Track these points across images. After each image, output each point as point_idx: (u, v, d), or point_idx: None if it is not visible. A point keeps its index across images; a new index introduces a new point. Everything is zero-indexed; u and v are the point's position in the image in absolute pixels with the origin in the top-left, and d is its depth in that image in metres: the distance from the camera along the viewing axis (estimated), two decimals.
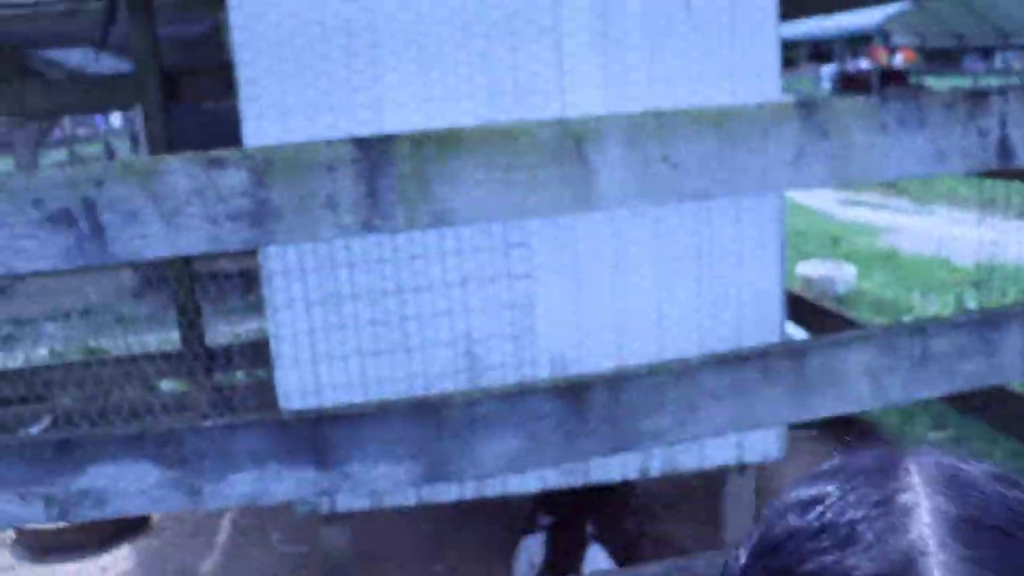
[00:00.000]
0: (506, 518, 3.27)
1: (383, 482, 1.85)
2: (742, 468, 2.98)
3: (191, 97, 4.98)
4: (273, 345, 2.45)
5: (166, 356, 4.63)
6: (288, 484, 1.80)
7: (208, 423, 1.74)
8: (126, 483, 1.78)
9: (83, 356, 5.49)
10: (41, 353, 5.95)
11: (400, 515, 3.65)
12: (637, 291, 2.64)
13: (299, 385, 2.49)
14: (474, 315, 2.59)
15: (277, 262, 2.46)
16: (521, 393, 1.86)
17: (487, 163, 1.72)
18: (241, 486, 1.79)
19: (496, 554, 3.22)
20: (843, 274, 5.80)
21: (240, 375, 4.97)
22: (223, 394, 4.61)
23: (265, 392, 4.45)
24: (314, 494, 1.83)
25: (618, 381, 1.92)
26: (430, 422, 1.82)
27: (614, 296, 2.63)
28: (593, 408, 1.92)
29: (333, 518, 2.70)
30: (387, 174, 1.67)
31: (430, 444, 1.83)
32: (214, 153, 1.63)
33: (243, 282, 7.17)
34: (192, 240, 1.64)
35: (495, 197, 1.74)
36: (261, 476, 1.79)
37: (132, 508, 1.83)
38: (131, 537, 3.58)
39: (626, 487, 3.26)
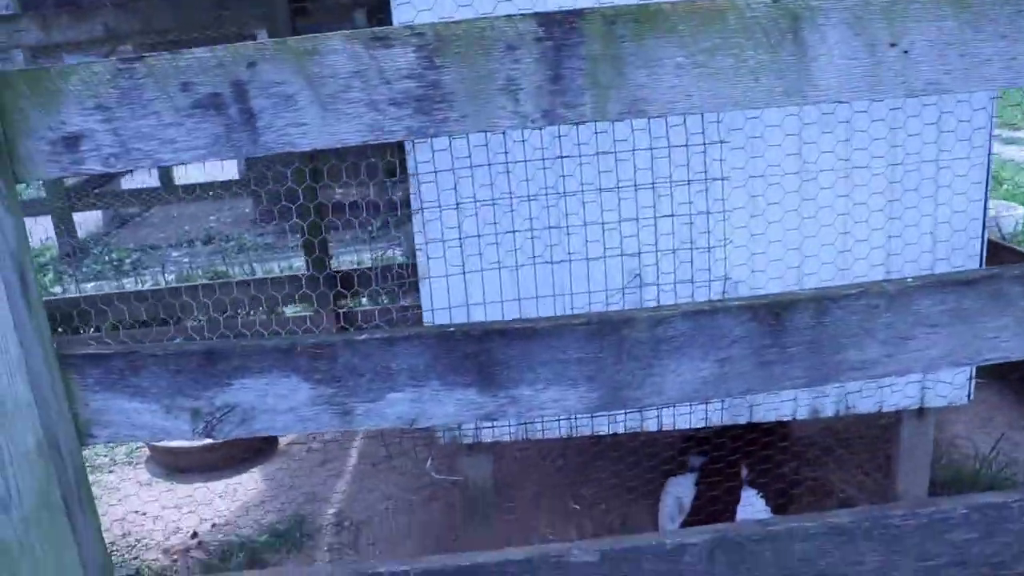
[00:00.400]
0: (649, 457, 3.05)
1: (552, 408, 1.65)
2: (920, 412, 2.69)
3: (318, 18, 4.84)
4: (420, 255, 2.25)
5: (292, 280, 4.54)
6: (448, 407, 1.62)
7: (364, 335, 1.56)
8: (274, 399, 1.63)
9: (210, 280, 5.47)
10: (169, 278, 5.99)
11: (540, 448, 3.49)
12: (820, 206, 2.35)
13: (445, 300, 2.29)
14: (651, 225, 2.33)
15: (426, 158, 2.24)
16: (713, 312, 1.62)
17: (689, 44, 1.46)
18: (398, 407, 1.62)
19: (638, 494, 3.02)
20: (1010, 213, 5.31)
21: (365, 300, 4.87)
22: (348, 319, 4.51)
23: (389, 318, 4.33)
24: (475, 418, 1.64)
25: (824, 302, 1.66)
26: (611, 342, 1.60)
27: (796, 210, 2.35)
28: (793, 332, 1.67)
29: (475, 448, 2.54)
30: (575, 55, 1.43)
31: (609, 367, 1.62)
32: (379, 30, 1.43)
33: (364, 212, 7.11)
34: (351, 129, 1.45)
35: (697, 84, 1.48)
36: (419, 397, 1.61)
37: (279, 427, 1.67)
38: (260, 461, 3.51)
39: (783, 430, 3.00)
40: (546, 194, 2.26)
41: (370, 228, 7.11)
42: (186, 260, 6.69)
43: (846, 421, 3.36)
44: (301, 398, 1.62)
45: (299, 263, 6.19)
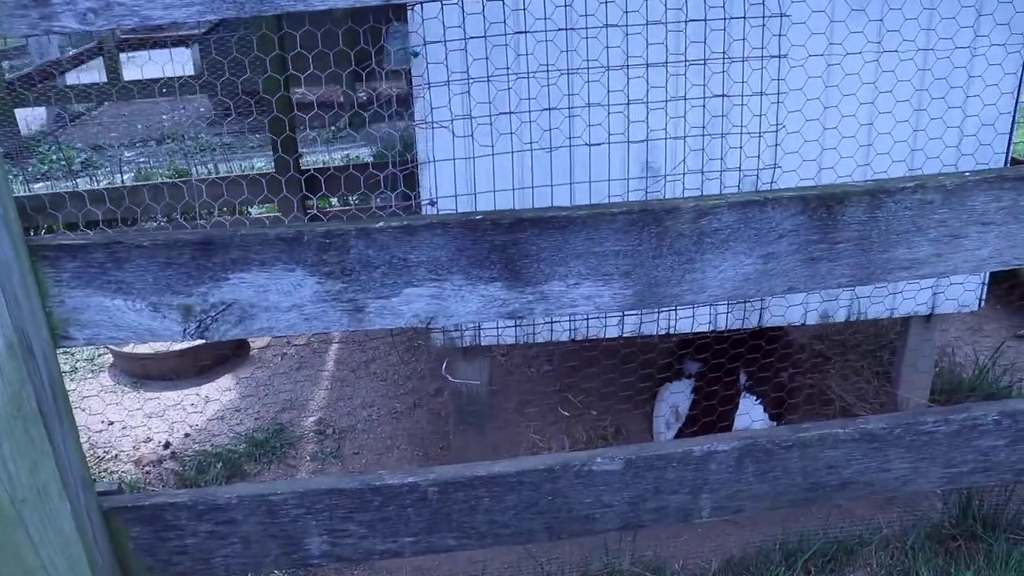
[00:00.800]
0: (642, 363, 2.95)
1: (584, 306, 1.51)
2: (928, 318, 2.61)
3: None
4: (422, 139, 2.04)
5: (257, 180, 4.30)
6: (471, 304, 1.47)
7: (380, 224, 1.40)
8: (277, 296, 1.46)
9: (171, 179, 5.18)
10: (126, 177, 5.68)
11: (526, 353, 3.37)
12: (848, 100, 2.20)
13: (450, 186, 2.08)
14: (686, 106, 2.14)
15: (437, 35, 2.00)
16: (763, 204, 1.48)
17: None
18: (415, 304, 1.47)
19: (630, 401, 2.93)
20: None
21: (335, 202, 4.66)
22: (315, 220, 4.30)
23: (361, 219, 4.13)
24: (499, 316, 1.50)
25: (879, 195, 1.53)
26: (651, 234, 1.46)
27: (822, 101, 2.19)
28: (844, 227, 1.54)
29: (471, 351, 2.41)
30: None
31: (647, 261, 1.48)
32: None
33: (332, 110, 6.82)
34: None
35: None
36: (439, 293, 1.46)
37: (282, 326, 1.52)
38: (231, 367, 3.35)
39: (783, 336, 2.91)
40: (587, 67, 2.04)
41: (335, 127, 6.83)
42: (142, 160, 6.36)
43: (842, 329, 3.29)
44: (306, 294, 1.46)
45: (260, 163, 5.93)
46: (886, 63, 2.19)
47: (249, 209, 4.68)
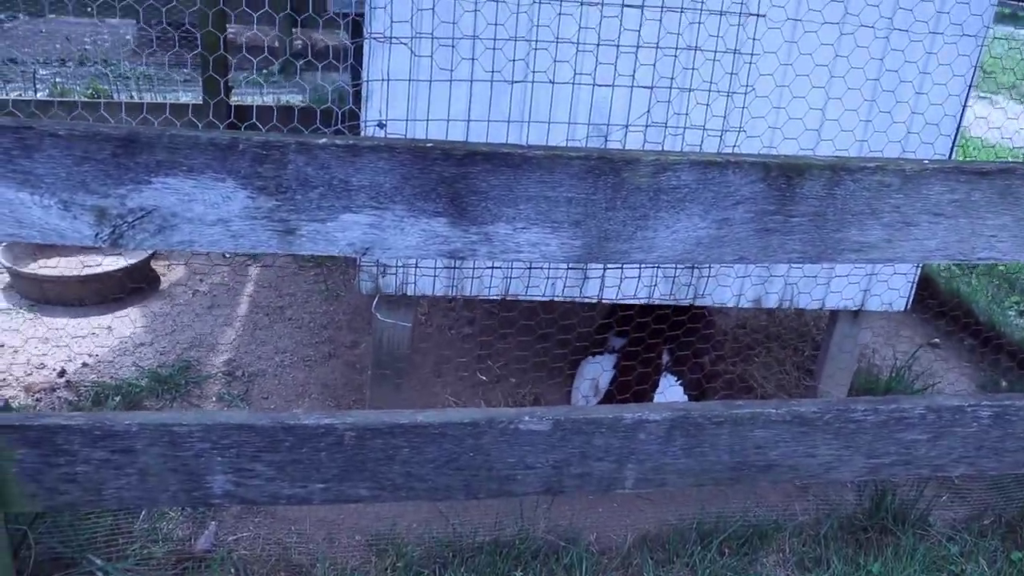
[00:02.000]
0: (563, 331, 2.90)
1: (529, 253, 1.43)
2: (855, 315, 2.62)
3: None
4: (377, 50, 1.88)
5: (184, 108, 4.10)
6: (410, 238, 1.38)
7: (323, 140, 1.30)
8: (203, 207, 1.35)
9: (91, 99, 4.90)
10: (40, 93, 5.36)
11: (445, 312, 3.29)
12: (804, 85, 2.17)
13: (401, 110, 1.94)
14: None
15: None
16: (724, 166, 1.43)
17: None
18: (351, 231, 1.37)
19: (549, 370, 2.88)
20: None
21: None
22: None
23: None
24: (438, 254, 1.41)
25: (839, 172, 1.49)
26: (606, 184, 1.39)
27: (777, 84, 2.15)
28: (801, 201, 1.50)
29: (397, 301, 2.31)
30: None
31: (600, 212, 1.41)
32: None
33: (260, 57, 6.57)
34: None
35: None
36: (379, 222, 1.37)
37: (204, 241, 1.40)
38: (138, 300, 3.18)
39: (707, 318, 2.90)
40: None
41: (265, 71, 6.59)
42: (59, 80, 6.01)
43: (763, 319, 3.30)
44: (235, 208, 1.35)
45: (186, 97, 5.67)
46: (843, 47, 2.17)
47: None
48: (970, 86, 2.26)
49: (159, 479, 1.58)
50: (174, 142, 1.31)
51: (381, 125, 1.87)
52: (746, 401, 1.73)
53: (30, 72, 6.19)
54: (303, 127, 3.99)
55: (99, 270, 3.16)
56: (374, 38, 1.78)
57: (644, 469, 1.72)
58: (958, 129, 2.31)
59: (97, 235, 1.37)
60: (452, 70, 1.88)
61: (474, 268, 2.26)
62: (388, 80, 1.83)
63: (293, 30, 6.67)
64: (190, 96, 5.74)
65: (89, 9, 5.83)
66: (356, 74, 3.56)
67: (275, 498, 1.61)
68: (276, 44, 6.84)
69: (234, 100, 4.50)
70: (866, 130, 2.27)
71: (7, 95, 4.97)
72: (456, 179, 1.34)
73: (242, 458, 1.56)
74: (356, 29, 3.30)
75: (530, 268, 2.28)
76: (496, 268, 2.27)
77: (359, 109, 1.98)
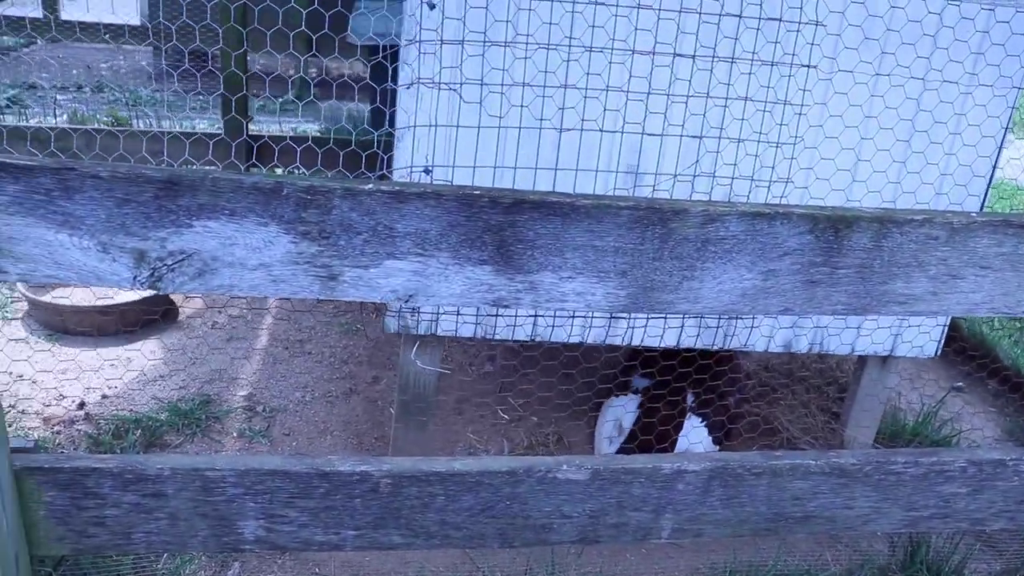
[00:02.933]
0: (585, 371, 2.87)
1: (574, 302, 1.41)
2: (885, 360, 2.59)
3: None
4: (405, 99, 1.88)
5: (202, 140, 4.10)
6: (455, 285, 1.36)
7: (369, 185, 1.28)
8: (244, 251, 1.33)
9: (111, 127, 4.91)
10: (60, 119, 5.37)
11: (466, 350, 3.26)
12: (834, 119, 2.14)
13: (407, 157, 1.93)
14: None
15: None
16: (772, 217, 1.41)
17: None
18: (395, 278, 1.35)
19: (571, 409, 2.85)
20: None
21: (280, 171, 4.48)
22: None
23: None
24: (483, 302, 1.39)
25: (887, 224, 1.47)
26: (654, 234, 1.37)
27: (805, 116, 2.12)
28: (848, 253, 1.48)
29: (426, 340, 2.29)
30: None
31: (646, 262, 1.39)
32: None
33: (277, 86, 6.61)
34: None
35: None
36: (423, 269, 1.35)
37: (245, 285, 1.38)
38: (156, 331, 3.16)
39: (732, 361, 2.87)
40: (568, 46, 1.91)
41: (281, 99, 6.62)
42: (77, 106, 6.04)
43: (787, 361, 3.26)
44: (277, 253, 1.33)
45: (202, 125, 5.69)
46: (878, 87, 2.15)
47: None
48: (1006, 128, 2.24)
49: (189, 524, 1.55)
50: (217, 185, 1.29)
51: (427, 171, 1.86)
52: (784, 452, 1.70)
53: (48, 98, 6.22)
54: (325, 167, 3.99)
55: (117, 300, 3.14)
56: (422, 83, 1.77)
57: (681, 519, 1.69)
58: (993, 171, 2.29)
59: (135, 278, 1.35)
60: (501, 116, 1.86)
61: (502, 311, 2.24)
62: (435, 126, 1.81)
63: (311, 59, 6.71)
64: (205, 123, 5.77)
65: (107, 36, 5.88)
66: (382, 102, 3.56)
67: (307, 544, 1.58)
68: (290, 72, 6.88)
69: (252, 130, 4.50)
70: (900, 172, 2.25)
71: (27, 121, 4.98)
72: (503, 227, 1.32)
73: (275, 504, 1.53)
74: (374, 62, 3.30)
75: (561, 313, 2.26)
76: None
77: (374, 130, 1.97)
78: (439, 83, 1.77)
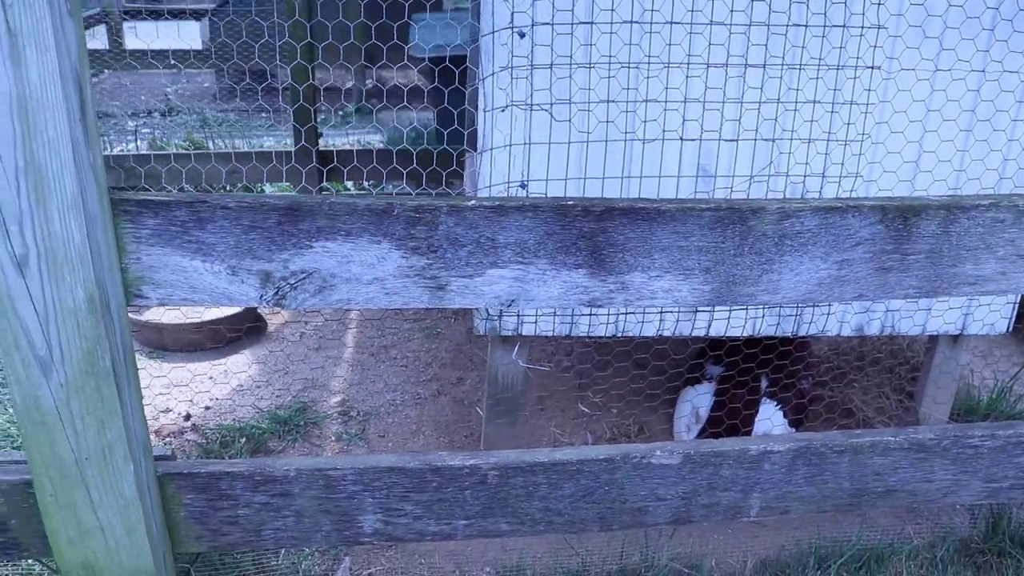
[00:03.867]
0: (660, 363, 2.97)
1: (663, 299, 1.52)
2: (955, 339, 2.65)
3: None
4: (480, 119, 2.02)
5: (275, 157, 4.28)
6: (553, 289, 1.48)
7: (472, 201, 1.40)
8: (360, 268, 1.46)
9: (187, 150, 5.14)
10: (131, 147, 5.62)
11: (544, 347, 3.38)
12: (898, 115, 2.22)
13: (504, 173, 2.07)
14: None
15: (500, 3, 1.98)
16: (843, 210, 1.50)
17: None
18: (497, 285, 1.47)
19: (648, 400, 2.95)
20: None
21: (350, 185, 4.65)
22: None
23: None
24: (579, 303, 1.50)
25: (954, 211, 1.55)
26: (734, 232, 1.47)
27: (871, 115, 2.21)
28: (918, 239, 1.57)
29: (510, 340, 2.41)
30: None
31: (728, 259, 1.49)
32: None
33: (337, 103, 6.81)
34: None
35: None
36: (523, 276, 1.47)
37: (361, 299, 1.52)
38: (248, 343, 3.34)
39: (803, 344, 2.94)
40: (645, 64, 2.01)
41: (342, 113, 6.81)
42: (147, 131, 6.30)
43: (856, 344, 3.32)
44: (390, 268, 1.46)
45: (269, 142, 5.90)
46: (939, 82, 2.22)
47: (260, 188, 4.66)
48: None
49: (313, 520, 1.69)
50: (333, 209, 1.43)
51: (523, 185, 1.98)
52: (864, 430, 1.79)
53: (121, 125, 6.50)
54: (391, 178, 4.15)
55: (212, 316, 3.32)
56: (516, 106, 1.90)
57: (768, 498, 1.79)
58: None
59: (262, 296, 1.49)
60: (589, 132, 1.99)
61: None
62: (529, 144, 1.94)
63: (367, 72, 6.89)
64: (272, 140, 5.98)
65: (172, 61, 6.12)
66: (445, 117, 3.70)
67: (421, 535, 1.71)
68: (349, 85, 7.08)
69: (322, 146, 4.68)
70: (963, 160, 2.32)
71: (111, 149, 5.23)
72: (595, 233, 1.44)
73: (392, 498, 1.66)
74: (441, 72, 3.43)
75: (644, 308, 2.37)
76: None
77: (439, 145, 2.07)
78: (531, 104, 1.90)
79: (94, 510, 1.53)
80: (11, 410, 2.69)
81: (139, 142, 5.66)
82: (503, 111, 1.92)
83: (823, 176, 2.17)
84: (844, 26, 1.97)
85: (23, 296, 1.33)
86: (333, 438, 2.71)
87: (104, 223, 1.38)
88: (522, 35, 1.84)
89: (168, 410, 2.87)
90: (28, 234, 1.29)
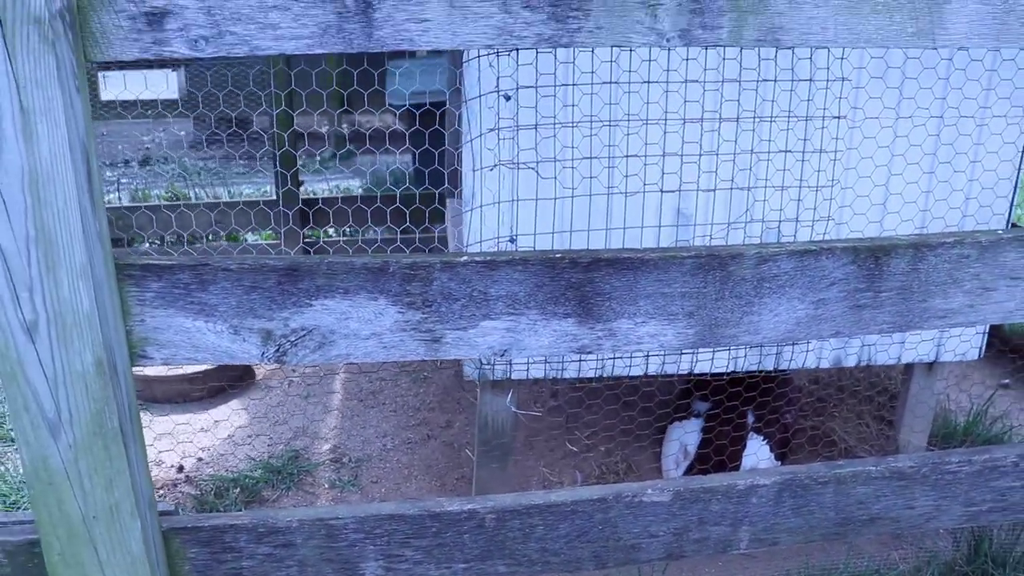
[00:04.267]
0: (644, 401, 3.03)
1: (649, 343, 1.58)
2: (930, 367, 2.73)
3: None
4: (468, 178, 2.11)
5: (255, 205, 4.33)
6: (543, 338, 1.54)
7: (464, 258, 1.47)
8: (357, 324, 1.52)
9: (169, 201, 5.18)
10: (112, 197, 5.66)
11: (530, 389, 3.43)
12: (864, 160, 2.32)
13: (494, 228, 2.15)
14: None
15: (486, 69, 2.07)
16: (818, 253, 1.57)
17: None
18: (491, 336, 1.53)
19: (635, 437, 3.00)
20: None
21: (331, 232, 4.71)
22: (313, 249, 4.35)
23: (357, 248, 4.20)
24: (569, 351, 1.56)
25: (921, 248, 1.64)
26: (715, 277, 1.54)
27: (839, 162, 2.31)
28: (889, 277, 1.64)
29: (499, 385, 2.47)
30: None
31: (710, 303, 1.56)
32: None
33: (320, 147, 6.89)
34: (477, 31, 1.35)
35: (835, 18, 1.42)
36: (515, 326, 1.53)
37: (359, 353, 1.57)
38: (237, 393, 3.37)
39: (785, 379, 3.01)
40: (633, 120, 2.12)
41: (321, 158, 6.89)
42: (125, 180, 6.34)
43: (837, 375, 3.40)
44: (387, 323, 1.52)
45: (248, 190, 5.96)
46: (901, 129, 2.32)
47: (244, 236, 4.70)
48: (1023, 152, 2.40)
49: (316, 569, 1.72)
50: (332, 268, 1.48)
51: (512, 239, 2.06)
52: (847, 460, 1.85)
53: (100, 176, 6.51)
54: (375, 224, 4.21)
55: (200, 367, 3.36)
56: (503, 164, 1.98)
57: (757, 530, 1.85)
58: (1015, 190, 2.44)
59: (263, 354, 1.54)
60: (573, 187, 2.07)
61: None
62: (517, 200, 2.01)
63: (346, 117, 6.99)
64: (251, 188, 6.04)
65: (149, 112, 6.18)
66: (425, 158, 3.78)
67: None
68: (324, 127, 7.16)
69: (302, 193, 4.74)
70: (928, 200, 2.42)
71: None
72: (583, 283, 1.50)
73: (392, 545, 1.70)
74: (421, 116, 3.52)
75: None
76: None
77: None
78: (518, 163, 1.98)
79: (101, 568, 1.56)
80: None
81: (120, 192, 5.70)
82: (491, 170, 1.99)
83: (797, 220, 2.26)
84: (810, 80, 2.08)
85: (33, 361, 1.37)
86: (327, 485, 2.74)
87: (110, 287, 1.43)
88: (508, 98, 1.92)
89: (161, 463, 2.89)
90: (38, 300, 1.33)
